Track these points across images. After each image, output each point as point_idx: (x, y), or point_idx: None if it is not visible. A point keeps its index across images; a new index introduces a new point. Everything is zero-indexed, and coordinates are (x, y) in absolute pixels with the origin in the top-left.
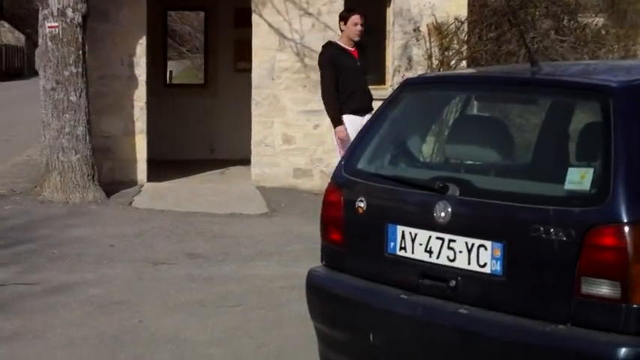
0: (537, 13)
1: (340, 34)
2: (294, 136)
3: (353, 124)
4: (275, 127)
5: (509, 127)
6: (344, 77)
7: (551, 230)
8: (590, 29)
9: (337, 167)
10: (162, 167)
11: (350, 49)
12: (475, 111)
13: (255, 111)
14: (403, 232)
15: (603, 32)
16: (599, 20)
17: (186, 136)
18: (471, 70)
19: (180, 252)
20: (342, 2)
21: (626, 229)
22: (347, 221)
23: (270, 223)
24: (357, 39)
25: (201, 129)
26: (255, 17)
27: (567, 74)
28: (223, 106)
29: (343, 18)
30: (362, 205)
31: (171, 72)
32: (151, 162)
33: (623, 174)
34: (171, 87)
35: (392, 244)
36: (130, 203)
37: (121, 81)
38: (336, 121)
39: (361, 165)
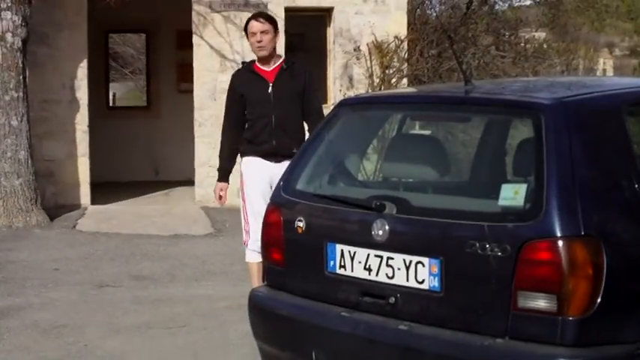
0: (478, 29)
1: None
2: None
3: (260, 171)
4: (218, 147)
5: (445, 145)
6: (251, 109)
7: (487, 246)
8: (532, 44)
9: (276, 188)
10: (106, 190)
11: (265, 69)
12: (411, 130)
13: (197, 132)
14: (342, 250)
15: (545, 47)
16: (541, 35)
17: (131, 158)
18: (406, 90)
19: (125, 274)
20: (282, 24)
21: (560, 243)
22: (287, 241)
23: (215, 243)
24: (260, 54)
25: (145, 151)
26: (196, 39)
27: (500, 92)
28: (167, 127)
29: (245, 31)
30: (301, 224)
31: (114, 94)
32: (95, 185)
33: (555, 189)
34: (115, 109)
35: (332, 262)
36: (74, 226)
37: (62, 105)
38: (220, 173)
39: (300, 185)
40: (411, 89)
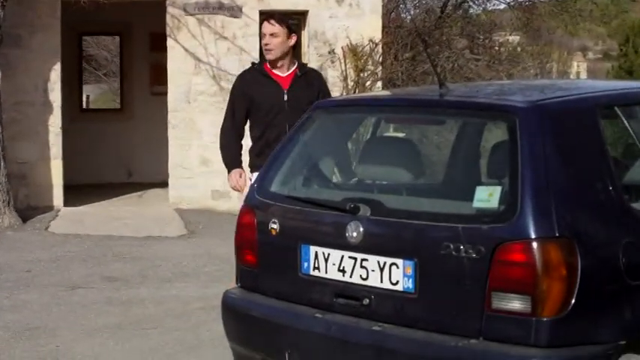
0: (452, 32)
1: None
2: (211, 158)
3: None
4: (192, 149)
5: (420, 147)
6: (256, 115)
7: (461, 247)
8: (506, 47)
9: (250, 190)
10: (79, 192)
11: (279, 74)
12: (386, 132)
13: (171, 134)
14: (316, 252)
15: (519, 50)
16: (515, 38)
17: (104, 160)
18: (380, 93)
19: (97, 276)
20: (257, 27)
21: (535, 244)
22: (261, 243)
23: (188, 244)
24: (268, 57)
25: (119, 153)
26: (170, 41)
27: (475, 95)
28: (140, 129)
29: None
30: (275, 226)
31: (88, 96)
32: (68, 187)
33: (530, 191)
34: (88, 112)
35: (305, 264)
36: (47, 228)
37: (35, 107)
38: (230, 166)
39: (274, 187)
40: (386, 92)
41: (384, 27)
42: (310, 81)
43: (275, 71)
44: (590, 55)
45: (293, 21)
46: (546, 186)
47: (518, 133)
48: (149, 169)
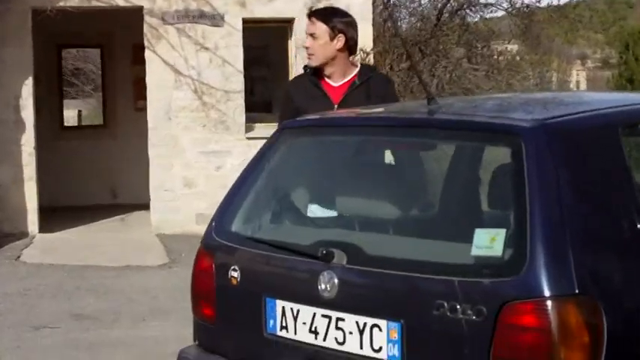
0: (450, 41)
1: None
2: (195, 179)
3: None
4: (174, 170)
5: (408, 177)
6: None
7: (458, 307)
8: (505, 56)
9: (208, 229)
10: (60, 215)
11: (331, 83)
12: (368, 158)
13: (152, 153)
14: (284, 307)
15: (518, 59)
16: (514, 47)
17: (87, 180)
18: (359, 111)
19: (66, 313)
20: (240, 36)
21: (549, 304)
22: (219, 294)
23: (168, 275)
24: (310, 64)
25: (102, 172)
26: (148, 53)
27: (470, 112)
28: (124, 147)
29: None
30: (235, 275)
31: (80, 112)
32: (50, 210)
33: (542, 235)
34: (70, 129)
35: (271, 322)
36: (18, 257)
37: (7, 125)
38: None
39: (235, 226)
40: (366, 110)
41: (379, 36)
42: (372, 92)
43: (327, 80)
44: (590, 63)
45: (347, 18)
46: (562, 227)
47: (524, 161)
48: (135, 189)
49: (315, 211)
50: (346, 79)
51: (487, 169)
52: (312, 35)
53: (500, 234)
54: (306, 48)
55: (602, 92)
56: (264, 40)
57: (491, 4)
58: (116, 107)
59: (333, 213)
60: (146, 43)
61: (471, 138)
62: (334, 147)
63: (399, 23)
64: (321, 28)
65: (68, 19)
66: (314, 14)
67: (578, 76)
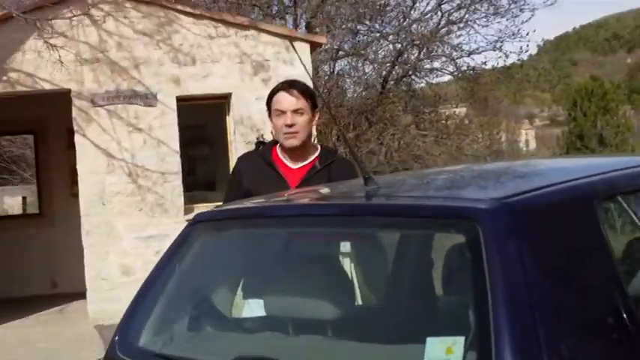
0: (397, 108)
1: None
2: (133, 266)
3: None
4: (110, 257)
5: (346, 273)
6: None
7: None
8: (453, 120)
9: (111, 344)
10: None
11: (289, 165)
12: (301, 250)
13: (86, 241)
14: None
15: (467, 121)
16: (462, 110)
17: (25, 270)
18: (284, 198)
19: None
20: (175, 115)
21: None
22: None
23: None
24: (289, 143)
25: (41, 262)
26: (78, 138)
27: (415, 193)
28: (62, 234)
29: (267, 105)
30: None
31: (24, 198)
32: None
33: (510, 341)
34: (5, 219)
35: None
36: None
37: None
38: None
39: (143, 339)
40: (293, 195)
41: (323, 106)
42: (335, 176)
43: (286, 161)
44: (537, 121)
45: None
46: (534, 331)
47: (483, 250)
48: (75, 277)
49: (241, 311)
50: (306, 162)
51: (439, 259)
52: (297, 111)
53: (458, 343)
54: (290, 126)
55: (567, 158)
56: (202, 118)
57: (437, 69)
58: (52, 194)
59: (261, 313)
60: (76, 127)
61: (416, 225)
62: (255, 241)
63: (344, 93)
64: (306, 103)
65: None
66: (294, 86)
67: (527, 135)
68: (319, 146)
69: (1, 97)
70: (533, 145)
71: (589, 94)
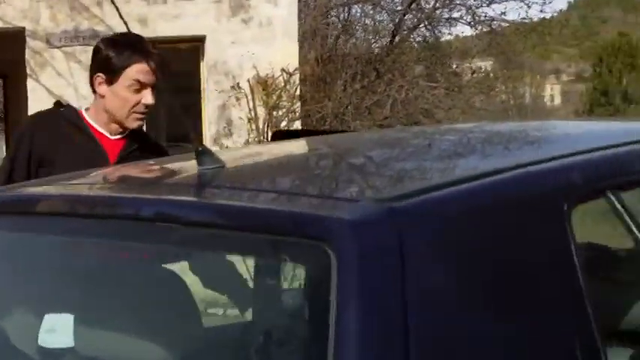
0: (408, 59)
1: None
2: None
3: None
4: None
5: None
6: None
7: None
8: (478, 74)
9: None
10: None
11: (106, 134)
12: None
13: None
14: None
15: (491, 76)
16: (486, 64)
17: None
18: (56, 188)
19: None
20: None
21: None
22: None
23: None
24: (135, 125)
25: None
26: (30, 82)
27: (259, 186)
28: None
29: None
30: None
31: None
32: None
33: None
34: None
35: None
36: None
37: None
38: None
39: None
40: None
41: (329, 55)
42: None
43: (101, 129)
44: (564, 77)
45: None
46: None
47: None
48: None
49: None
50: (122, 136)
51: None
52: (154, 88)
53: None
54: (147, 106)
55: (562, 122)
56: (174, 63)
57: (454, 19)
58: None
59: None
60: (28, 71)
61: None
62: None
63: (353, 40)
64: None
65: None
66: (153, 58)
67: (552, 90)
68: None
69: None
70: (558, 100)
71: (615, 50)
